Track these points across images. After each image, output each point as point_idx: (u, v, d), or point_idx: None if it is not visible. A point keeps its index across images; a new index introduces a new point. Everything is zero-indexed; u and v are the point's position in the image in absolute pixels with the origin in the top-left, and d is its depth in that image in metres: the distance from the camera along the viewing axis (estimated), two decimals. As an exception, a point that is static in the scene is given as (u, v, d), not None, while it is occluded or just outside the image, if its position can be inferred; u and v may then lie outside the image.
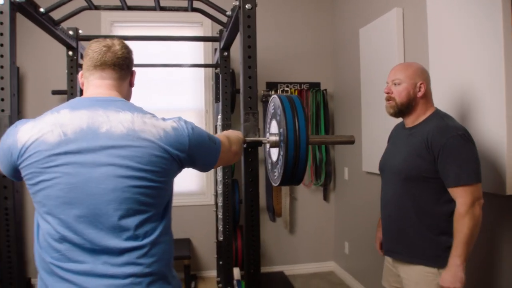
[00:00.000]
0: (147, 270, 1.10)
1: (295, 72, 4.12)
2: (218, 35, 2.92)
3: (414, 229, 1.78)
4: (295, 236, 4.19)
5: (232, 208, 3.13)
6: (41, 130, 1.07)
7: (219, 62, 2.95)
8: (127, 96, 1.29)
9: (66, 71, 2.70)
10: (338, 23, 4.06)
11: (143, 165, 1.08)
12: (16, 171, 1.13)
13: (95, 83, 1.21)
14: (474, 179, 1.65)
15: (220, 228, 3.31)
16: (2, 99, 1.65)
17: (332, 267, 4.22)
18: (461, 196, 1.65)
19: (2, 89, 1.65)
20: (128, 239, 1.08)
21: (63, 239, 1.07)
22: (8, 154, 1.11)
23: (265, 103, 3.92)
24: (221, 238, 3.31)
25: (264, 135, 1.81)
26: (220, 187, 3.24)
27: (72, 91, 2.69)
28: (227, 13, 2.08)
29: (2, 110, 1.64)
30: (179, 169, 1.20)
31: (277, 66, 4.07)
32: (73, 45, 2.61)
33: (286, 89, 4.02)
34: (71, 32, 2.59)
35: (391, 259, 1.95)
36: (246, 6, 1.69)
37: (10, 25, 1.67)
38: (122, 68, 1.23)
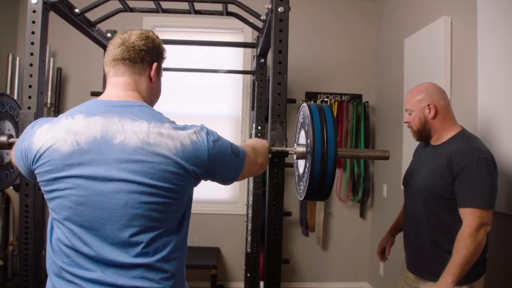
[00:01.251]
0: (156, 286, 1.06)
1: (336, 83, 3.98)
2: (255, 41, 2.86)
3: (432, 247, 1.78)
4: (328, 253, 4.03)
5: (262, 219, 3.03)
6: (55, 136, 1.05)
7: (255, 69, 2.88)
8: (149, 92, 1.21)
9: (103, 72, 2.72)
10: (382, 32, 3.90)
11: (155, 181, 1.03)
12: (31, 173, 1.13)
13: (111, 81, 1.17)
14: (485, 204, 1.62)
15: (249, 239, 3.23)
16: (30, 97, 1.65)
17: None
18: (468, 217, 1.62)
19: (30, 86, 1.65)
20: (137, 255, 1.04)
21: (73, 248, 1.05)
22: (24, 156, 1.11)
23: (303, 113, 3.81)
24: (249, 250, 3.22)
25: (293, 146, 1.72)
26: (251, 197, 3.16)
27: (107, 93, 2.70)
28: (262, 17, 2.01)
29: (29, 108, 1.64)
30: (195, 183, 1.14)
31: (317, 75, 3.95)
32: (110, 47, 2.62)
33: (326, 99, 3.89)
34: (109, 34, 2.61)
35: (412, 274, 1.95)
36: (279, 9, 1.62)
37: (42, 24, 1.67)
38: (134, 61, 1.16)
